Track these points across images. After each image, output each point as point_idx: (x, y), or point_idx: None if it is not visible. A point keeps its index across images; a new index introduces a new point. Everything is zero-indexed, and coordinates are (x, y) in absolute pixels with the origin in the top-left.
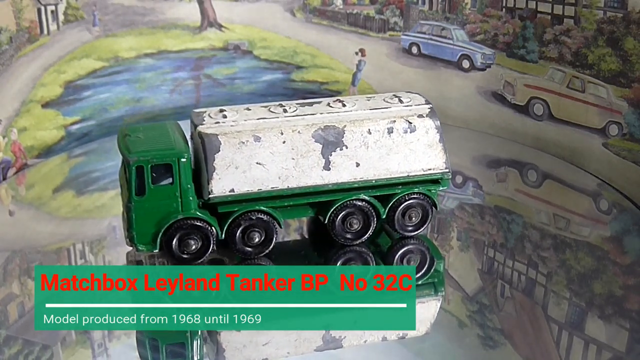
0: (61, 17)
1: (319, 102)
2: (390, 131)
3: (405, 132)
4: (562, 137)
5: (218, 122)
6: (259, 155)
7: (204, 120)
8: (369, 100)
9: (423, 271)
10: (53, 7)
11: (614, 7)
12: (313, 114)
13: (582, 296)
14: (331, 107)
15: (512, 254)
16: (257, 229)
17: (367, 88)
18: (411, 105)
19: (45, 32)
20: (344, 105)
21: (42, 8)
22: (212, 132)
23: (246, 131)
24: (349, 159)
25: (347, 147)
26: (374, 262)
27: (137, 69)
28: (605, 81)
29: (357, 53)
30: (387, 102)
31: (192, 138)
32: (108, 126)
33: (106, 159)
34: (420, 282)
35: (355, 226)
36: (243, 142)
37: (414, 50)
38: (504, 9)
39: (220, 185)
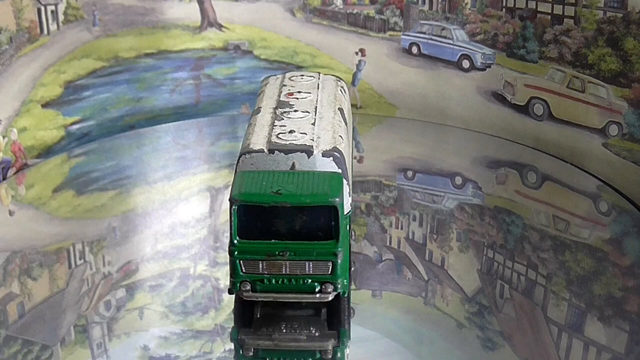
0: (61, 17)
1: (285, 100)
2: (344, 97)
3: (346, 93)
4: (562, 137)
5: (313, 139)
6: (347, 153)
7: (309, 145)
8: (296, 82)
9: None
10: (53, 7)
11: (614, 7)
12: (320, 105)
13: (582, 298)
14: (304, 97)
15: (511, 255)
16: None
17: (367, 88)
18: (321, 75)
19: (45, 32)
20: (307, 93)
21: (42, 8)
22: (330, 148)
23: (334, 136)
24: (346, 132)
25: (347, 122)
26: None
27: (137, 69)
28: (605, 81)
29: (357, 53)
30: (312, 78)
31: (292, 167)
32: (108, 126)
33: (106, 159)
34: None
35: None
36: (342, 146)
37: (414, 50)
38: (504, 9)
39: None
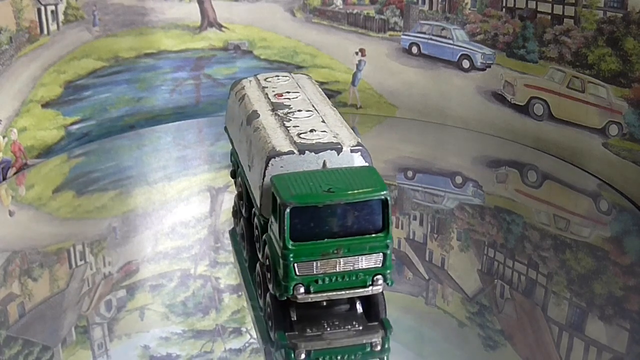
0: (61, 17)
1: (278, 101)
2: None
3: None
4: (562, 137)
5: (336, 136)
6: None
7: (336, 142)
8: (276, 83)
9: None
10: (53, 7)
11: (614, 7)
12: (315, 104)
13: (582, 297)
14: (295, 97)
15: (512, 254)
16: None
17: (367, 88)
18: (292, 74)
19: (45, 32)
20: (295, 93)
21: (42, 8)
22: (355, 144)
23: (349, 131)
24: None
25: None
26: None
27: (137, 69)
28: (605, 81)
29: (357, 53)
30: (287, 77)
31: (323, 165)
32: (108, 126)
33: (106, 159)
34: None
35: None
36: (360, 140)
37: (414, 50)
38: (504, 9)
39: None
